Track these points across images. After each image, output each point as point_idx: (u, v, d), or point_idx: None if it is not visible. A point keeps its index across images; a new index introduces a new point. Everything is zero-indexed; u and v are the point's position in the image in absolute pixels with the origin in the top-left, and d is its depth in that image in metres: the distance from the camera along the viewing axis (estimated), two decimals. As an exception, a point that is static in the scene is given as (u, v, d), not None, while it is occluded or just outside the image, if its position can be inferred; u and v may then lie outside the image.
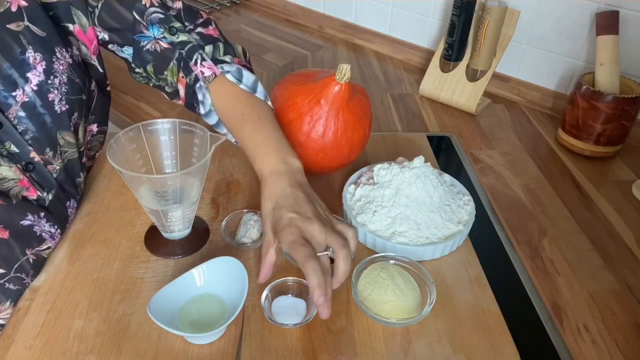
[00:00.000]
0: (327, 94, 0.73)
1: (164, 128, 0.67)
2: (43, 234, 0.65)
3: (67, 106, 0.64)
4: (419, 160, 0.73)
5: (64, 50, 0.64)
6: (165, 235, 0.69)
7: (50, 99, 0.62)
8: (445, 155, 0.96)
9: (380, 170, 0.74)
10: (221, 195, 0.79)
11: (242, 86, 0.71)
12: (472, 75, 1.08)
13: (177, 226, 0.67)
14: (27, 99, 0.60)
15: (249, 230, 0.70)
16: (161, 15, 0.70)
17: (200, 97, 0.73)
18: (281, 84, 0.79)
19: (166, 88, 0.76)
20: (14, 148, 0.61)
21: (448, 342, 0.59)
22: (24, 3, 0.61)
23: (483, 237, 0.75)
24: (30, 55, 0.61)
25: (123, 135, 0.64)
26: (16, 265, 0.61)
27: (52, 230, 0.66)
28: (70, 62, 0.65)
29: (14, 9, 0.60)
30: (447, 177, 0.78)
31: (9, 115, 0.60)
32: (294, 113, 0.74)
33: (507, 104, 1.12)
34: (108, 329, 0.59)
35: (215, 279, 0.61)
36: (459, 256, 0.71)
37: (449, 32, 1.06)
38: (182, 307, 0.60)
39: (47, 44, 0.62)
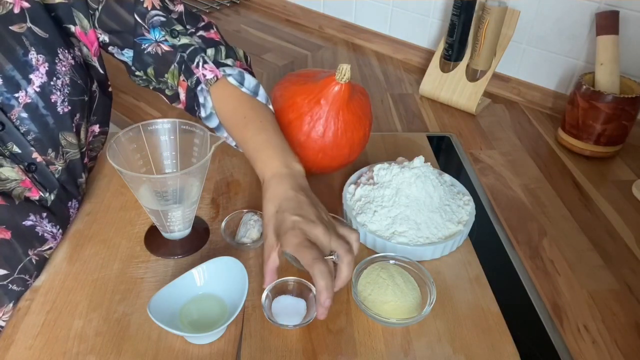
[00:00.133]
0: (327, 94, 0.73)
1: (164, 128, 0.67)
2: (45, 234, 0.65)
3: (69, 107, 0.64)
4: (419, 160, 0.73)
5: (66, 51, 0.64)
6: (165, 235, 0.69)
7: (52, 100, 0.62)
8: (445, 155, 0.96)
9: (380, 170, 0.74)
10: (221, 195, 0.79)
11: (243, 89, 0.71)
12: (472, 75, 1.08)
13: (177, 226, 0.67)
14: (29, 100, 0.60)
15: (249, 230, 0.70)
16: (163, 19, 0.70)
17: (201, 100, 0.73)
18: (281, 84, 0.79)
19: (166, 91, 0.76)
20: (16, 149, 0.61)
21: (448, 342, 0.59)
22: (26, 4, 0.61)
23: (483, 237, 0.75)
24: (33, 56, 0.61)
25: (123, 135, 0.64)
26: (20, 266, 0.61)
27: (54, 230, 0.66)
28: (73, 63, 0.65)
29: (16, 10, 0.60)
30: (447, 177, 0.78)
31: (12, 117, 0.60)
32: (294, 113, 0.74)
33: (507, 104, 1.12)
34: (108, 329, 0.59)
35: (215, 279, 0.61)
36: (459, 256, 0.71)
37: (449, 32, 1.06)
38: (182, 307, 0.60)
39: (50, 45, 0.62)
